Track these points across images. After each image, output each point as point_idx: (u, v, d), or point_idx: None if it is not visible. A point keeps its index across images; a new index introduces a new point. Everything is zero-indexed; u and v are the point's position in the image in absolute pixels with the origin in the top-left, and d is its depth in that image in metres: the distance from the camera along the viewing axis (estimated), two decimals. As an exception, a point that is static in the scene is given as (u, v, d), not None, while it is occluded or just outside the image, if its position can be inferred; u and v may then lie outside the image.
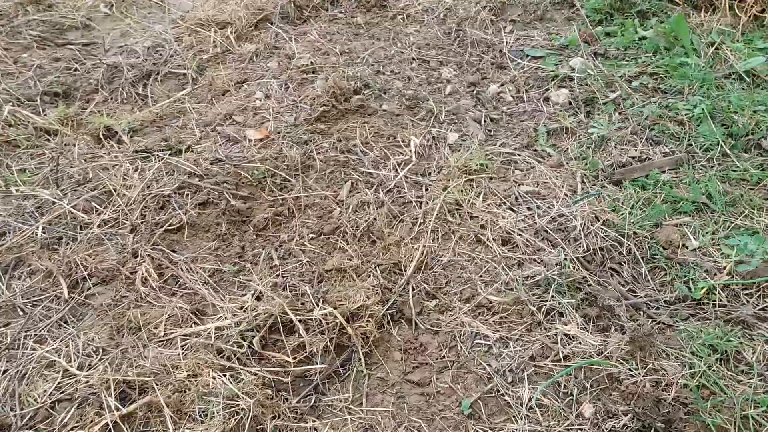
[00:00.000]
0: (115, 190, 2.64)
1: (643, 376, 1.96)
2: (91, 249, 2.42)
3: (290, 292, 2.24)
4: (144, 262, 2.37)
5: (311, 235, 2.51)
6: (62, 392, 1.96)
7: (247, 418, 1.86)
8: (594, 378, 1.99)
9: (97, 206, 2.59)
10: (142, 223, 2.52)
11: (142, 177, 2.68)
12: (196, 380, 1.96)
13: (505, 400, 1.97)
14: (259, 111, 3.15)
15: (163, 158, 2.77)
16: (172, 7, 4.12)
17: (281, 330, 2.11)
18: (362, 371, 2.08)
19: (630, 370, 1.99)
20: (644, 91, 3.28)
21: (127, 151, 2.87)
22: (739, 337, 2.11)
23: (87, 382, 1.97)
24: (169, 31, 3.85)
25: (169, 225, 2.51)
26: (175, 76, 3.51)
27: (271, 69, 3.47)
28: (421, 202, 2.66)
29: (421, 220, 2.56)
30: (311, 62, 3.46)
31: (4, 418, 1.86)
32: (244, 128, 3.03)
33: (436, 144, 3.00)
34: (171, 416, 1.88)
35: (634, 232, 2.48)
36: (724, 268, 2.36)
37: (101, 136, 2.97)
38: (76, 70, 3.53)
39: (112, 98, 3.36)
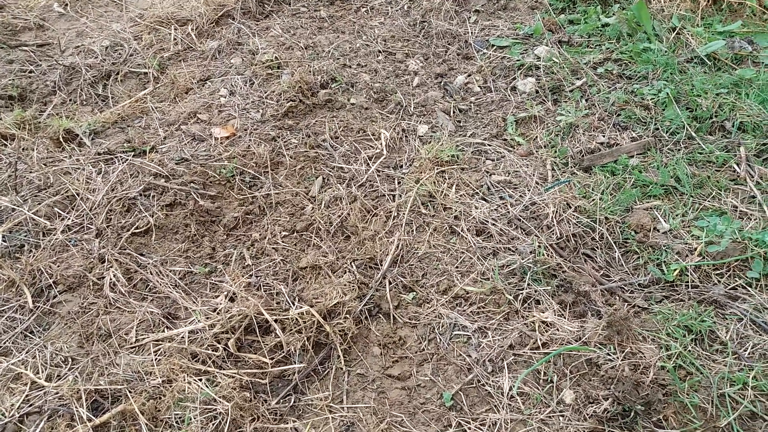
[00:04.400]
0: (78, 194, 2.56)
1: (622, 360, 1.97)
2: (56, 256, 2.34)
3: (265, 291, 2.20)
4: (111, 267, 2.31)
5: (284, 233, 2.47)
6: (31, 405, 1.89)
7: (226, 422, 1.82)
8: (573, 364, 2.00)
9: (60, 211, 2.51)
10: (107, 227, 2.45)
11: (105, 180, 2.61)
12: (171, 386, 1.92)
13: (486, 390, 1.97)
14: (224, 108, 3.09)
15: (127, 160, 2.69)
16: (130, 5, 4.01)
17: (257, 331, 2.07)
18: (341, 368, 2.05)
19: (608, 354, 1.99)
20: (609, 78, 3.30)
21: (89, 154, 2.78)
22: (712, 317, 2.14)
23: (57, 393, 1.91)
24: (127, 29, 3.75)
25: (136, 228, 2.44)
26: (136, 76, 3.42)
27: (234, 65, 3.41)
28: (394, 195, 2.64)
29: (395, 214, 2.54)
30: (275, 57, 3.40)
31: None
32: (210, 126, 2.97)
33: (406, 136, 2.98)
34: (146, 424, 1.83)
35: (606, 218, 2.50)
36: (695, 249, 2.39)
37: (61, 139, 2.88)
38: (31, 72, 3.42)
39: (70, 100, 3.26)
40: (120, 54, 3.53)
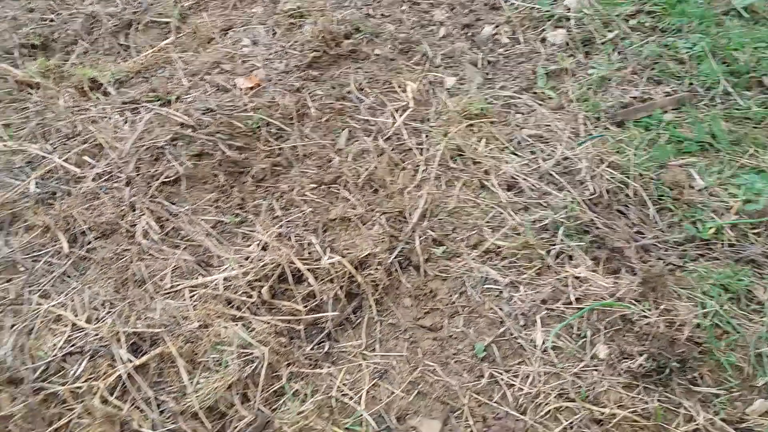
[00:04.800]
0: (106, 142, 2.54)
1: (657, 316, 1.95)
2: (87, 203, 2.34)
3: (296, 242, 2.19)
4: (143, 214, 2.30)
5: (312, 185, 2.44)
6: (72, 345, 1.92)
7: (262, 366, 1.83)
8: (607, 320, 1.99)
9: (89, 160, 2.50)
10: (137, 175, 2.44)
11: (132, 129, 2.58)
12: (207, 330, 1.93)
13: (519, 343, 1.97)
14: (248, 58, 3.04)
15: (153, 109, 2.66)
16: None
17: (289, 279, 2.07)
18: (374, 318, 2.05)
19: (643, 311, 1.98)
20: (642, 30, 3.21)
21: (114, 103, 2.75)
22: (749, 276, 2.11)
23: (96, 334, 1.94)
24: (147, -24, 3.67)
25: (166, 177, 2.43)
26: (158, 25, 3.36)
27: (256, 14, 3.34)
28: (422, 149, 2.60)
29: (424, 168, 2.51)
30: (298, 6, 3.33)
31: (15, 372, 1.83)
32: (234, 77, 2.92)
33: (433, 89, 2.92)
34: (184, 366, 1.85)
35: (640, 174, 2.46)
36: (732, 207, 2.35)
37: (86, 89, 2.85)
38: (52, 21, 3.36)
39: (93, 49, 3.21)
40: (140, 3, 3.46)
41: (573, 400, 1.81)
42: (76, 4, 3.50)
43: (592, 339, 1.95)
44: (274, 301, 2.03)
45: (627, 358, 1.89)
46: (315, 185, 2.46)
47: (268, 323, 1.94)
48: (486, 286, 2.12)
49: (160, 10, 3.44)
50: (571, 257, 2.18)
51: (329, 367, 1.90)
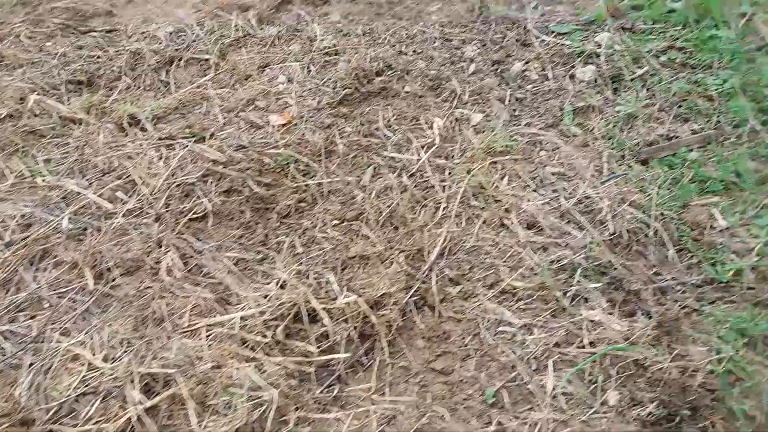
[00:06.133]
0: (140, 178, 2.66)
1: (670, 362, 1.93)
2: (116, 239, 2.45)
3: (314, 280, 2.25)
4: (169, 251, 2.40)
5: (334, 222, 2.51)
6: (87, 385, 1.97)
7: (271, 409, 1.88)
8: (619, 364, 1.97)
9: (122, 195, 2.62)
10: (167, 211, 2.54)
11: (166, 165, 2.70)
12: (220, 371, 1.99)
13: (528, 389, 1.97)
14: (282, 95, 3.14)
15: (187, 146, 2.78)
16: (193, -9, 4.10)
17: (304, 319, 2.12)
18: (385, 360, 2.09)
19: (656, 355, 1.96)
20: (672, 66, 3.19)
21: (151, 139, 2.88)
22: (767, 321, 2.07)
23: (112, 374, 1.99)
24: (191, 15, 3.84)
25: (194, 213, 2.53)
26: (198, 62, 3.51)
27: (293, 52, 3.45)
28: (444, 186, 2.64)
29: (445, 205, 2.55)
30: (333, 44, 3.43)
31: (28, 413, 1.89)
32: (267, 113, 3.03)
33: (459, 125, 2.96)
34: (194, 408, 1.91)
35: (662, 213, 2.44)
36: (753, 248, 2.31)
37: (125, 124, 2.99)
38: (99, 57, 3.54)
39: (135, 85, 3.37)
40: (183, 40, 3.62)
41: (581, 449, 1.81)
42: (123, 41, 3.68)
43: (603, 385, 1.94)
44: (287, 341, 2.09)
45: (637, 405, 1.88)
46: (337, 221, 2.52)
47: (280, 365, 1.99)
48: (500, 329, 2.13)
49: (201, 47, 3.59)
50: (587, 299, 2.18)
51: (337, 412, 1.93)
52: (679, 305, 2.15)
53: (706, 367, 1.92)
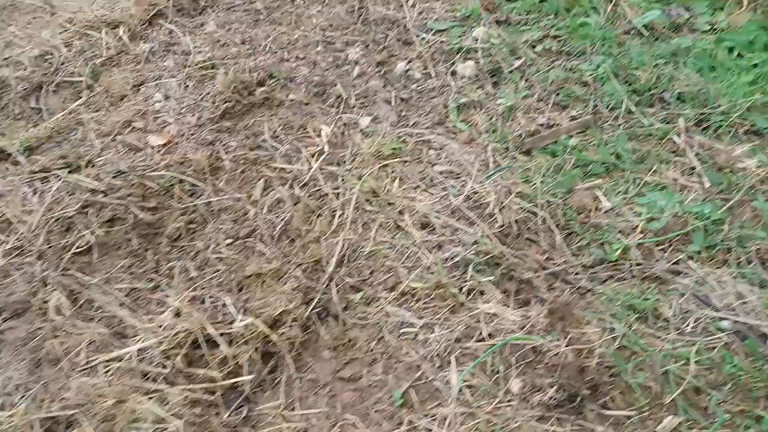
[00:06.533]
0: (14, 216, 2.49)
1: (566, 346, 2.01)
2: (-2, 282, 2.30)
3: (210, 304, 2.19)
4: (55, 290, 2.27)
5: (227, 241, 2.45)
6: (-17, 439, 1.87)
7: (177, 441, 1.82)
8: (519, 353, 2.03)
9: (-2, 236, 2.46)
10: (48, 248, 2.40)
11: (41, 200, 2.55)
12: (123, 407, 1.91)
13: (435, 386, 1.99)
14: (160, 114, 3.03)
15: (62, 177, 2.63)
16: (59, 10, 3.88)
17: (203, 345, 2.06)
18: (292, 375, 2.06)
19: (552, 341, 2.03)
20: (548, 55, 3.31)
21: (23, 174, 2.71)
22: (655, 294, 2.19)
23: (11, 423, 1.89)
24: (57, 36, 3.63)
25: (77, 248, 2.40)
26: (69, 85, 3.33)
27: (168, 68, 3.33)
28: (338, 194, 2.63)
29: (340, 212, 2.53)
30: (209, 57, 3.34)
31: None
32: (146, 134, 2.91)
33: (348, 130, 2.96)
34: (99, 449, 1.83)
35: (548, 201, 2.53)
36: (637, 226, 2.43)
37: (-6, 159, 2.80)
38: (-41, 88, 3.30)
39: (3, 115, 3.16)
40: (50, 63, 3.42)
41: (489, 440, 1.84)
42: (-16, 69, 3.44)
43: (505, 374, 1.99)
44: (190, 369, 2.02)
45: (539, 391, 1.94)
46: (230, 240, 2.46)
47: (183, 394, 1.92)
48: (402, 330, 2.14)
49: (71, 69, 3.40)
50: (482, 292, 2.23)
51: (248, 433, 1.90)
52: (571, 288, 2.23)
53: (601, 347, 2.00)
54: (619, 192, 2.59)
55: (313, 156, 2.80)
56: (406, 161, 2.74)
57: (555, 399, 1.90)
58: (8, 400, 1.97)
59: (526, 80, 3.16)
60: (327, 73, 3.32)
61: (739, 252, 2.32)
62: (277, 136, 2.90)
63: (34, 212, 2.50)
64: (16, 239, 2.45)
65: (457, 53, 3.37)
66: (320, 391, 2.02)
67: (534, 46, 3.37)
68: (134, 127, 2.95)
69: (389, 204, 2.56)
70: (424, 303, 2.21)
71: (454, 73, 3.27)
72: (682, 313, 2.15)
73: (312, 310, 2.19)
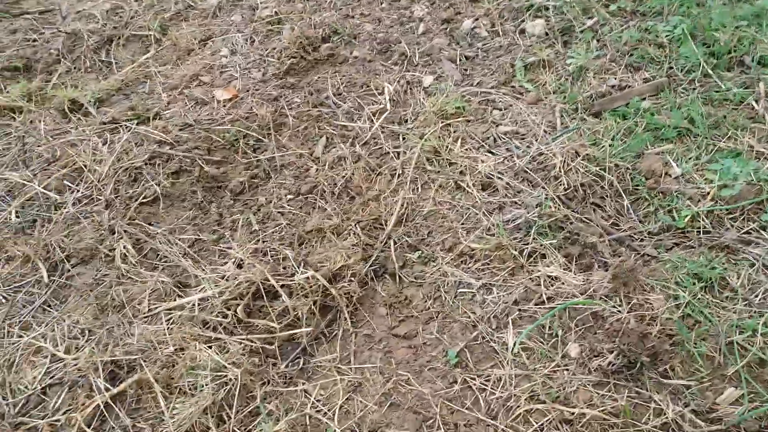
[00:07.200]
0: (85, 166, 2.58)
1: (627, 312, 1.95)
2: (68, 229, 2.39)
3: (271, 257, 2.22)
4: (122, 238, 2.34)
5: (289, 197, 2.47)
6: (52, 377, 1.97)
7: (236, 387, 1.87)
8: (578, 318, 1.99)
9: (70, 184, 2.54)
10: (116, 198, 2.48)
11: (111, 150, 2.62)
12: (183, 354, 1.97)
13: (491, 346, 1.98)
14: (226, 69, 3.06)
15: (131, 128, 2.70)
16: (129, -35, 3.94)
17: (264, 296, 2.10)
18: (348, 330, 2.08)
19: (614, 307, 1.98)
20: (622, 15, 3.17)
21: (94, 124, 2.79)
22: (723, 264, 2.10)
23: (75, 365, 1.98)
24: (127, -10, 3.70)
25: (144, 198, 2.47)
26: (138, 39, 3.40)
27: (235, 23, 3.35)
28: (398, 153, 2.61)
29: (400, 171, 2.52)
30: (275, 12, 3.34)
31: None
32: (212, 88, 2.95)
33: (411, 89, 2.92)
34: (161, 392, 1.89)
35: (616, 165, 2.44)
36: (708, 193, 2.33)
37: (67, 110, 2.89)
38: (35, 41, 3.41)
39: (75, 68, 3.25)
40: (121, 17, 3.50)
41: (543, 402, 1.82)
42: (58, 22, 3.54)
43: (563, 338, 1.96)
44: (249, 319, 2.06)
45: (598, 356, 1.90)
46: (292, 196, 2.48)
47: (242, 343, 1.97)
48: (460, 290, 2.13)
49: (141, 23, 3.47)
50: (544, 255, 2.18)
51: (304, 384, 1.93)
52: (637, 254, 2.16)
53: (664, 314, 1.94)
54: (690, 157, 2.47)
55: (375, 114, 2.78)
56: (469, 121, 2.69)
57: (614, 365, 1.86)
58: (73, 343, 2.06)
59: (599, 40, 3.04)
60: (391, 30, 3.27)
61: (815, 223, 2.20)
62: (340, 94, 2.89)
63: (103, 162, 2.58)
64: (86, 188, 2.54)
65: (527, 11, 3.26)
66: (375, 347, 2.04)
67: (608, 5, 3.23)
68: (201, 81, 2.99)
69: (450, 164, 2.53)
70: (482, 264, 2.19)
71: (522, 32, 3.17)
72: (751, 284, 2.06)
73: (370, 267, 2.20)
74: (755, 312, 1.97)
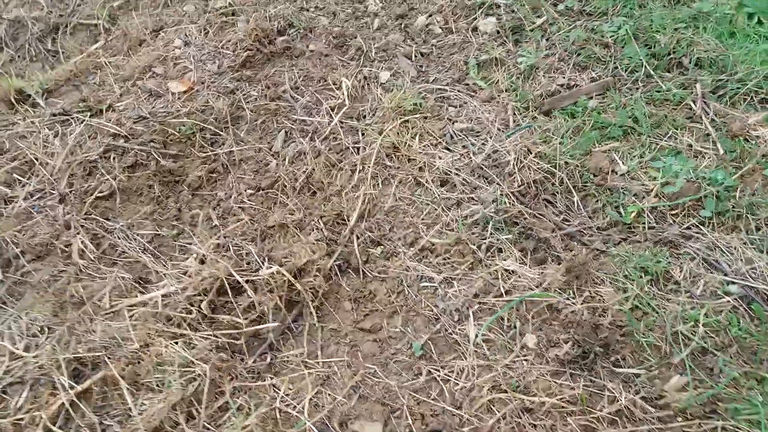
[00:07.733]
0: (36, 159, 2.51)
1: (581, 304, 2.07)
2: (20, 224, 2.33)
3: (234, 252, 2.23)
4: (79, 233, 2.30)
5: (249, 191, 2.48)
6: (12, 376, 1.93)
7: (205, 383, 1.88)
8: (535, 310, 2.09)
9: (20, 177, 2.47)
10: (70, 192, 2.43)
11: (64, 143, 2.56)
12: (148, 350, 1.97)
13: (454, 339, 2.06)
14: (180, 60, 3.02)
15: (84, 120, 2.64)
16: (73, -51, 3.81)
17: (229, 292, 2.11)
18: (315, 324, 2.12)
19: (568, 299, 2.09)
20: (570, 15, 3.29)
21: (44, 116, 2.71)
22: (667, 258, 2.24)
23: (36, 362, 1.94)
24: (72, -24, 3.58)
25: (100, 192, 2.43)
26: (86, 27, 3.30)
27: (188, 13, 3.30)
28: (358, 148, 2.65)
29: (360, 167, 2.56)
30: (229, 3, 3.30)
31: None
32: (166, 80, 2.91)
33: (368, 84, 2.96)
34: (128, 388, 1.89)
35: (566, 162, 2.55)
36: (652, 190, 2.47)
37: (13, 100, 2.80)
38: (-26, 27, 3.27)
39: (19, 56, 3.15)
40: (67, 4, 3.39)
41: (505, 391, 1.91)
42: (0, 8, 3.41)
43: (521, 330, 2.05)
44: (214, 315, 2.07)
45: (554, 346, 2.00)
46: (252, 191, 2.49)
47: (208, 339, 1.98)
48: (422, 284, 2.20)
49: (88, 11, 3.37)
50: (500, 250, 2.27)
51: (272, 379, 1.96)
52: (587, 249, 2.28)
53: (615, 306, 2.06)
54: (635, 155, 2.61)
55: (333, 109, 2.81)
56: (426, 117, 2.75)
57: (569, 354, 1.97)
58: (33, 341, 2.02)
59: (548, 39, 3.14)
60: (347, 25, 3.29)
61: (749, 219, 2.36)
62: (298, 88, 2.90)
63: (56, 155, 2.52)
64: (38, 182, 2.47)
65: (479, 8, 3.33)
66: (341, 341, 2.08)
67: (556, 5, 3.34)
68: (154, 73, 2.95)
69: (410, 160, 2.58)
70: (443, 258, 2.26)
71: (475, 29, 3.25)
72: (692, 277, 2.21)
73: (334, 262, 2.24)
74: (696, 303, 2.11)
